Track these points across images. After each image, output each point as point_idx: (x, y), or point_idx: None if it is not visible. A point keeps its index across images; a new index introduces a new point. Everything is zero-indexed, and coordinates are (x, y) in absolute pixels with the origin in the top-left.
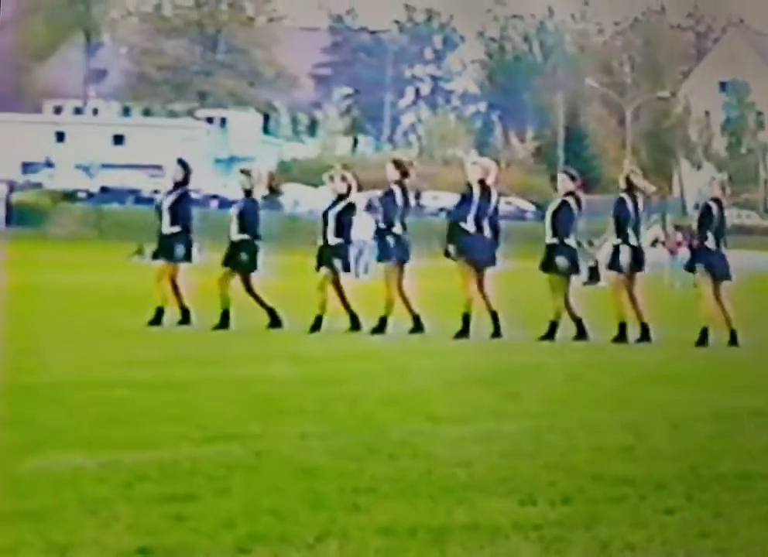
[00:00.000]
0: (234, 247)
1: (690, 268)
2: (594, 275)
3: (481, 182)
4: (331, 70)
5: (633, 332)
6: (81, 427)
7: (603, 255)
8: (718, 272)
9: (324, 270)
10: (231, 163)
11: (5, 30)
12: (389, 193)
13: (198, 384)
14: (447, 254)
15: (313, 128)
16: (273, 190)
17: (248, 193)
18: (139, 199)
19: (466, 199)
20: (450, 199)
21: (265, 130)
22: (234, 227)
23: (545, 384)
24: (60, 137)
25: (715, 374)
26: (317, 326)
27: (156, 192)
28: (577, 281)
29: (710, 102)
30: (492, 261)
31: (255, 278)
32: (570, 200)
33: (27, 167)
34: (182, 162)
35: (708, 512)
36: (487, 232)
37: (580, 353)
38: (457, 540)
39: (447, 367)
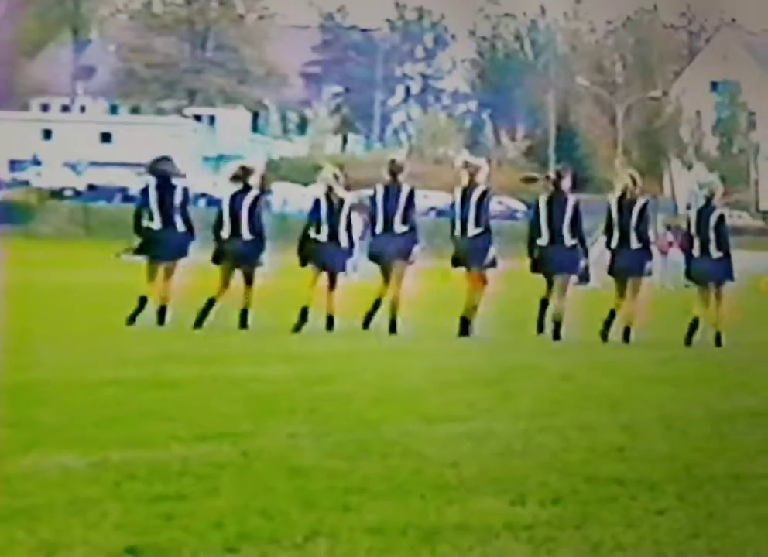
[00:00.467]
0: (245, 245)
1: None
2: (585, 275)
3: (470, 182)
4: (321, 68)
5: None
6: (70, 426)
7: (594, 255)
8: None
9: (313, 268)
10: (220, 161)
11: None
12: (386, 192)
13: (188, 383)
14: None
15: (302, 126)
16: (262, 189)
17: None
18: (127, 197)
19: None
20: (441, 199)
21: (254, 128)
22: (245, 225)
23: (539, 384)
24: (48, 134)
25: (710, 374)
26: (302, 320)
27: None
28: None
29: (701, 102)
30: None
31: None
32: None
33: (14, 165)
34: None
35: (700, 513)
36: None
37: (574, 353)
38: (447, 540)
39: (440, 366)
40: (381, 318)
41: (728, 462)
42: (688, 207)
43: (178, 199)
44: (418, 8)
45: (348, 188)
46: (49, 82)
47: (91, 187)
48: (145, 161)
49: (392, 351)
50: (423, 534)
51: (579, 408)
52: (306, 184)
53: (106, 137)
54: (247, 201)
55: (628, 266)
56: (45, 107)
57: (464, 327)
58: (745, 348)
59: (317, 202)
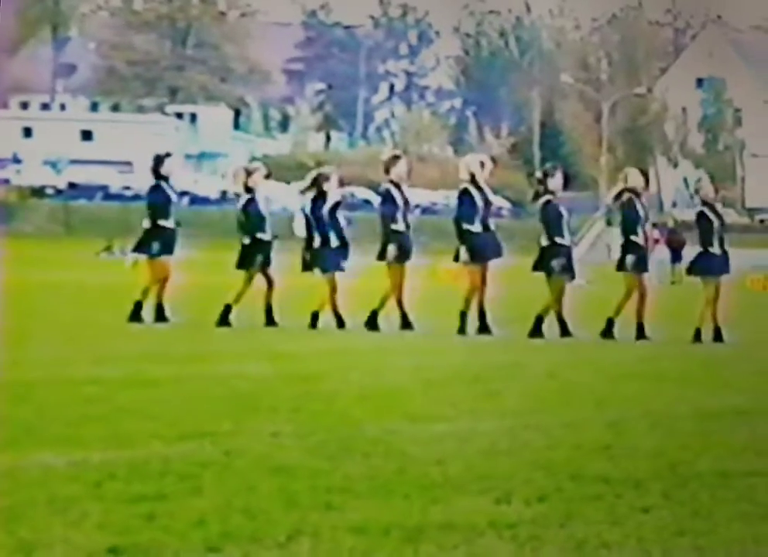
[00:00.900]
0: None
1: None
2: (571, 272)
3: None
4: (304, 65)
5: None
6: (51, 425)
7: (581, 252)
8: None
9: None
10: (202, 159)
11: None
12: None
13: (170, 381)
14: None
15: (285, 123)
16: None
17: (249, 190)
18: (108, 196)
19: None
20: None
21: (236, 126)
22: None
23: (525, 382)
24: (28, 132)
25: (697, 371)
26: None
27: (126, 188)
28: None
29: (687, 99)
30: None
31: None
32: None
33: None
34: (169, 155)
35: (685, 510)
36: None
37: (560, 351)
38: (431, 539)
39: (425, 365)
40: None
41: (714, 459)
42: (674, 204)
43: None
44: (402, 5)
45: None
46: (29, 80)
47: (72, 185)
48: (127, 159)
49: (377, 350)
50: (406, 533)
51: (564, 406)
52: (289, 182)
53: (87, 135)
54: (326, 208)
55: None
56: (24, 105)
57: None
58: (732, 345)
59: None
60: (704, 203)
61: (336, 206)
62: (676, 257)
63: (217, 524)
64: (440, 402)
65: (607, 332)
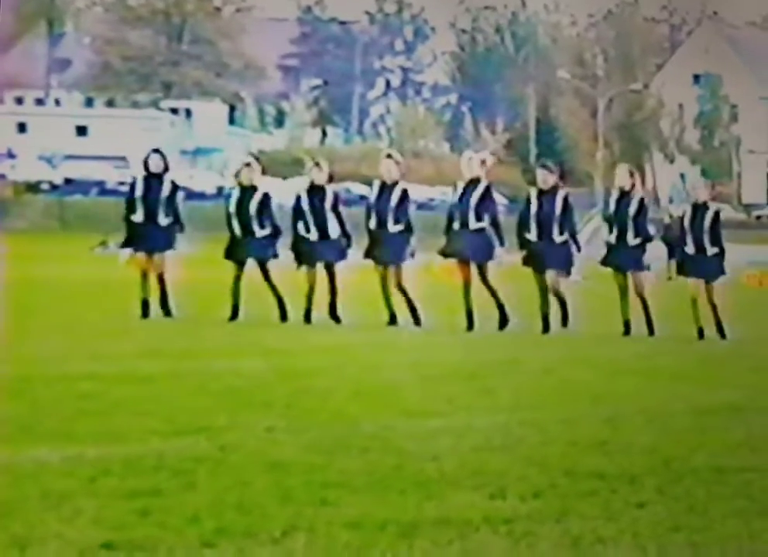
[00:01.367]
0: (258, 241)
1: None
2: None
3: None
4: (299, 60)
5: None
6: (46, 420)
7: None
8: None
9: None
10: (197, 155)
11: None
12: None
13: (165, 377)
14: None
15: (280, 119)
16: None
17: (251, 186)
18: (103, 191)
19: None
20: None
21: (231, 121)
22: (255, 222)
23: (519, 378)
24: (22, 128)
25: (692, 368)
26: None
27: (121, 183)
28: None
29: (683, 95)
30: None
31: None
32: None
33: None
34: (158, 151)
35: (680, 506)
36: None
37: (555, 347)
38: (426, 534)
39: (420, 361)
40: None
41: (709, 455)
42: (670, 200)
43: (165, 192)
44: (398, 1)
45: (330, 180)
46: (24, 75)
47: (68, 181)
48: (122, 154)
49: (372, 346)
50: (402, 528)
51: (559, 402)
52: (285, 177)
53: (81, 130)
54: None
55: (626, 261)
56: (19, 101)
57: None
58: (726, 342)
59: (298, 199)
60: (695, 204)
61: (335, 199)
62: (672, 253)
63: (212, 520)
64: (436, 398)
65: (627, 332)
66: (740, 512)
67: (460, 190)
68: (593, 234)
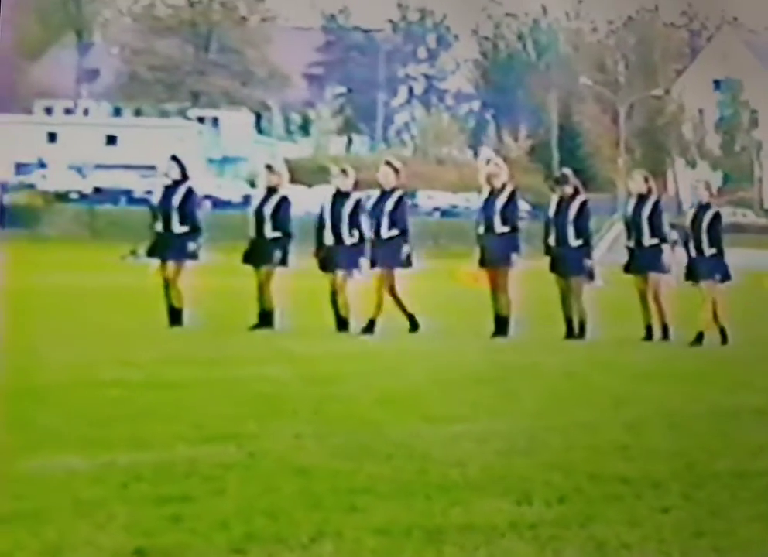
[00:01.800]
0: (266, 245)
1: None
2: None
3: (489, 182)
4: (324, 69)
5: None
6: (76, 428)
7: (599, 254)
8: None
9: (339, 272)
10: (224, 163)
11: None
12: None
13: (194, 384)
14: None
15: (306, 127)
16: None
17: (272, 189)
18: (132, 200)
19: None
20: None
21: (258, 130)
22: (268, 225)
23: (542, 383)
24: (52, 137)
25: (713, 371)
26: (342, 326)
27: (149, 192)
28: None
29: (704, 100)
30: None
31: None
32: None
33: (20, 168)
34: (175, 159)
35: (704, 511)
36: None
37: (577, 351)
38: (452, 540)
39: (443, 366)
40: (391, 320)
41: (732, 459)
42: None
43: (179, 200)
44: (420, 9)
45: (355, 187)
46: (53, 85)
47: (97, 190)
48: (150, 163)
49: (396, 352)
50: (428, 534)
51: (582, 406)
52: (310, 185)
53: (111, 139)
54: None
55: (643, 263)
56: (48, 110)
57: (501, 326)
58: (749, 345)
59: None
60: (700, 205)
61: (357, 204)
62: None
63: (241, 526)
64: (459, 404)
65: (648, 336)
66: (764, 516)
67: (485, 195)
68: (615, 240)
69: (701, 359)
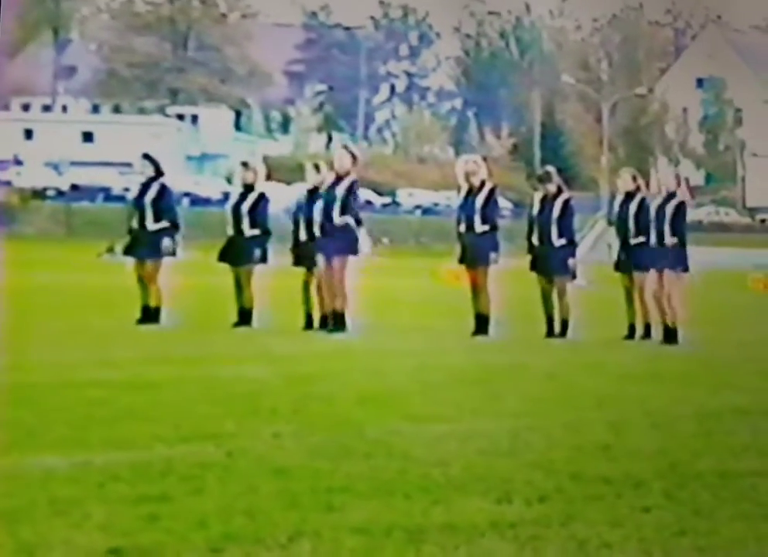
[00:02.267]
0: (245, 242)
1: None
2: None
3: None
4: (305, 66)
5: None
6: (54, 427)
7: (582, 253)
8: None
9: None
10: (203, 161)
11: None
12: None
13: (172, 383)
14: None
15: (285, 124)
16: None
17: (249, 187)
18: (109, 197)
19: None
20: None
21: (237, 127)
22: (246, 222)
23: (525, 383)
24: (29, 134)
25: (696, 372)
26: (308, 324)
27: (126, 189)
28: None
29: (687, 99)
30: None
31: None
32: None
33: None
34: (147, 156)
35: (686, 510)
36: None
37: (560, 352)
38: (433, 539)
39: (424, 365)
40: (376, 319)
41: (715, 459)
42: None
43: (153, 196)
44: (402, 6)
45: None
46: (30, 82)
47: (74, 187)
48: (128, 160)
49: (376, 351)
50: (408, 534)
51: (565, 406)
52: (290, 183)
53: (88, 136)
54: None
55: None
56: (26, 107)
57: (481, 325)
58: (731, 345)
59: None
60: (668, 194)
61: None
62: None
63: (219, 525)
64: (441, 403)
65: (630, 335)
66: (746, 516)
67: (464, 193)
68: (597, 239)
69: (684, 359)
